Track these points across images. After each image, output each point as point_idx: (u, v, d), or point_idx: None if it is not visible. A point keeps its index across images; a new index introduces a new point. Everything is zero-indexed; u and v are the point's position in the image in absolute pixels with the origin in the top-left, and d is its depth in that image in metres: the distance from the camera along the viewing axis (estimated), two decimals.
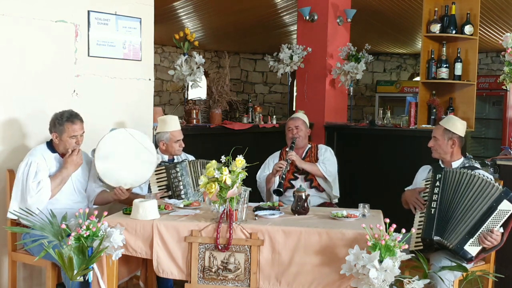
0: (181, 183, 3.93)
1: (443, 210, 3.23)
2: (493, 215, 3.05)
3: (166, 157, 4.08)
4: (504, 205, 3.04)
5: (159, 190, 3.90)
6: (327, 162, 4.21)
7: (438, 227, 3.20)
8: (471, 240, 3.08)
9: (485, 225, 3.06)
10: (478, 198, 3.12)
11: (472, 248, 3.09)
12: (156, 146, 4.07)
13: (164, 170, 3.93)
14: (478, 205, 3.11)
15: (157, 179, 3.91)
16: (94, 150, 3.59)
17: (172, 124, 4.05)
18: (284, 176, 4.05)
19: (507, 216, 3.06)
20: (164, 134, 4.05)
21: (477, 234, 3.07)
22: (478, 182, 3.15)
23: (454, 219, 3.18)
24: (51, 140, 3.54)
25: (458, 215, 3.17)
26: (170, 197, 3.86)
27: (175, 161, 4.08)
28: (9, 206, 3.42)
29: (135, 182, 3.68)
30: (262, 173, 4.30)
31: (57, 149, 3.53)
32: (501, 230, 3.08)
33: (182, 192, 3.91)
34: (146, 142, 3.72)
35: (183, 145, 4.08)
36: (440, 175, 3.31)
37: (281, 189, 3.97)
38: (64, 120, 3.45)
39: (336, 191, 4.24)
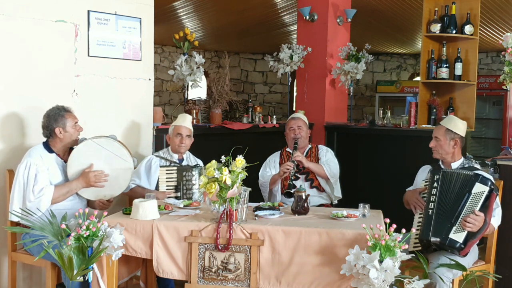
0: (195, 186, 3.92)
1: (440, 211, 3.24)
2: (469, 200, 3.16)
3: (176, 156, 4.05)
4: (477, 187, 3.17)
5: (167, 189, 3.90)
6: (331, 164, 4.22)
7: (435, 228, 3.21)
8: (454, 228, 3.16)
9: (464, 210, 3.16)
10: (460, 192, 3.21)
11: (457, 235, 3.15)
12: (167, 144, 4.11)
13: (175, 170, 3.92)
14: (459, 197, 3.20)
15: (166, 178, 3.90)
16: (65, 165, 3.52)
17: (180, 119, 4.06)
18: (292, 177, 4.04)
19: (483, 197, 3.16)
20: (171, 127, 4.06)
21: (458, 221, 3.16)
22: (461, 178, 3.24)
23: (446, 217, 3.20)
24: (47, 140, 3.54)
25: (447, 213, 3.21)
26: (178, 198, 3.85)
27: (185, 162, 4.06)
28: (8, 206, 3.41)
29: (114, 192, 3.62)
30: (265, 172, 4.28)
31: (58, 146, 3.52)
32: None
33: (193, 196, 3.89)
34: (117, 150, 3.61)
35: (184, 143, 4.00)
36: (438, 176, 3.32)
37: (291, 191, 3.96)
38: (63, 111, 3.50)
39: (338, 192, 4.24)
